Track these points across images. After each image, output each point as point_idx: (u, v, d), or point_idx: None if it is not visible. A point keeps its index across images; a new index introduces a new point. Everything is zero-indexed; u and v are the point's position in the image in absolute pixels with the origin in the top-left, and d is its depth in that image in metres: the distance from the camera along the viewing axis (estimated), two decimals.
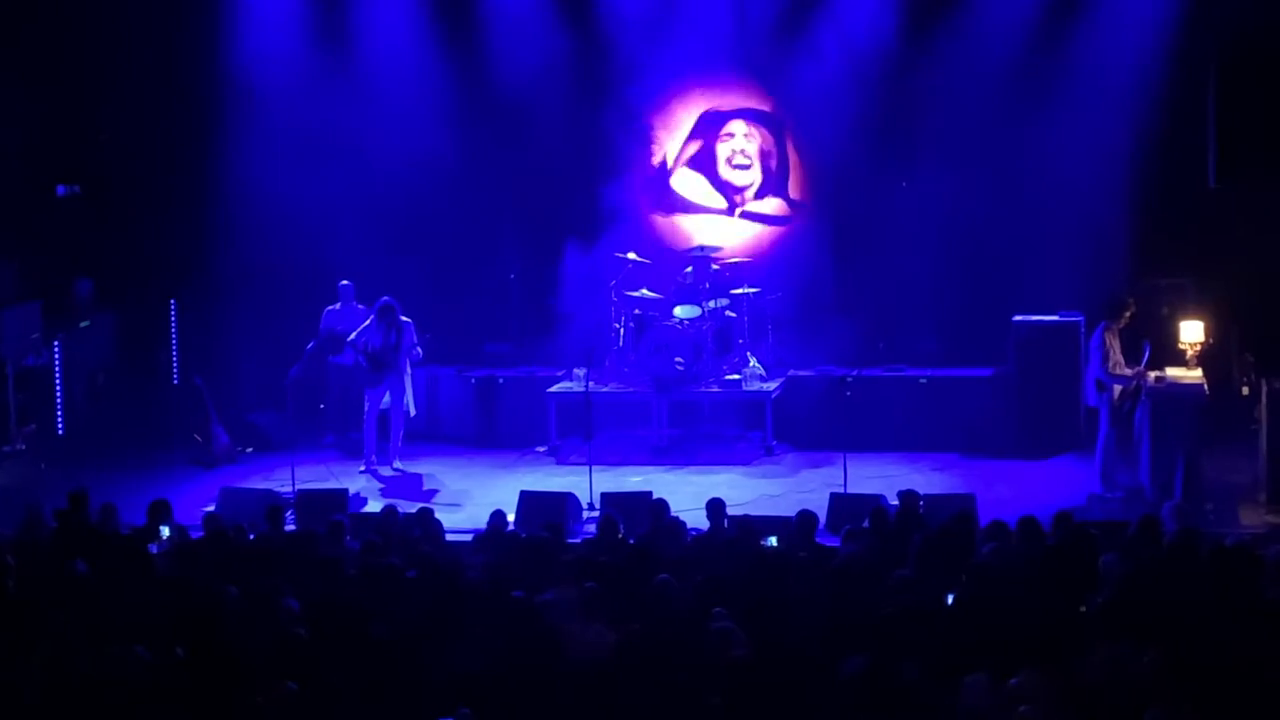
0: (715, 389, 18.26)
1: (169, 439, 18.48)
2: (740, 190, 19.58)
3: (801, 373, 18.55)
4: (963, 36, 18.32)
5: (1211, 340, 16.31)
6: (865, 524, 12.92)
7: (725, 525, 13.21)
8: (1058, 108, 18.23)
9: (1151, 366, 15.59)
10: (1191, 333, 15.81)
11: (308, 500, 15.49)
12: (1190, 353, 15.72)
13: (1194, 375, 15.56)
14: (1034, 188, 18.27)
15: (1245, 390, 16.74)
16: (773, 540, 12.69)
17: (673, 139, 19.64)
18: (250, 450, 18.61)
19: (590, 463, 16.15)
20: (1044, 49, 18.33)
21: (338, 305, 18.33)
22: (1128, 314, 15.67)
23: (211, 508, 15.19)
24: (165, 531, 13.28)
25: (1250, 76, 14.70)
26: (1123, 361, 15.55)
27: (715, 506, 13.31)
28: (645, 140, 19.59)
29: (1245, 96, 14.70)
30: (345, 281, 18.31)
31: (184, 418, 18.53)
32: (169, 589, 11.73)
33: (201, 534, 13.32)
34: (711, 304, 18.43)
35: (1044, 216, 18.20)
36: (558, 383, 18.42)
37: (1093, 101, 18.15)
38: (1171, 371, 15.64)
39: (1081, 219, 18.14)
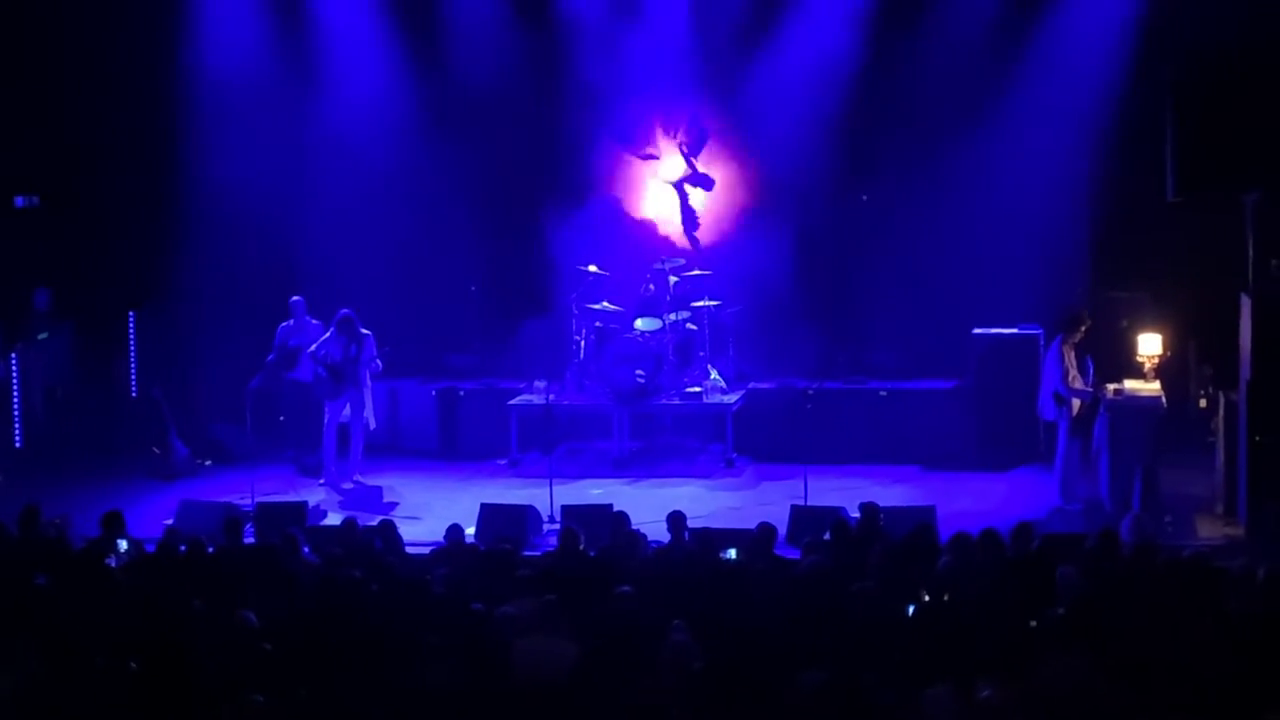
0: (676, 401, 18.28)
1: (127, 451, 18.40)
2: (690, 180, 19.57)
3: (762, 385, 18.58)
4: (923, 51, 18.41)
5: (1169, 353, 16.41)
6: (826, 536, 12.94)
7: (686, 538, 13.21)
8: (1017, 121, 18.34)
9: (1102, 380, 15.69)
10: (1149, 345, 15.90)
11: (267, 513, 15.43)
12: (1148, 365, 15.82)
13: (1152, 388, 15.65)
14: (993, 201, 18.35)
15: (1203, 403, 16.85)
16: (732, 553, 12.70)
17: (635, 148, 19.62)
18: (209, 463, 18.54)
19: (551, 475, 16.13)
20: (1003, 64, 18.44)
21: (291, 321, 18.25)
22: (1083, 328, 15.77)
23: (170, 521, 15.12)
24: (123, 545, 13.19)
25: (1207, 91, 14.77)
26: (1079, 376, 15.65)
27: (676, 519, 13.30)
28: (607, 151, 19.58)
29: (1202, 111, 14.77)
30: (296, 297, 18.23)
31: (142, 430, 18.46)
32: (129, 602, 11.66)
33: (160, 547, 13.24)
34: (672, 316, 18.45)
35: (1003, 230, 18.27)
36: (519, 395, 18.40)
37: (1052, 115, 18.27)
38: (1130, 384, 15.73)
39: (1041, 232, 18.23)
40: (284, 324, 18.21)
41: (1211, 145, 14.71)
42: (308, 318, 18.07)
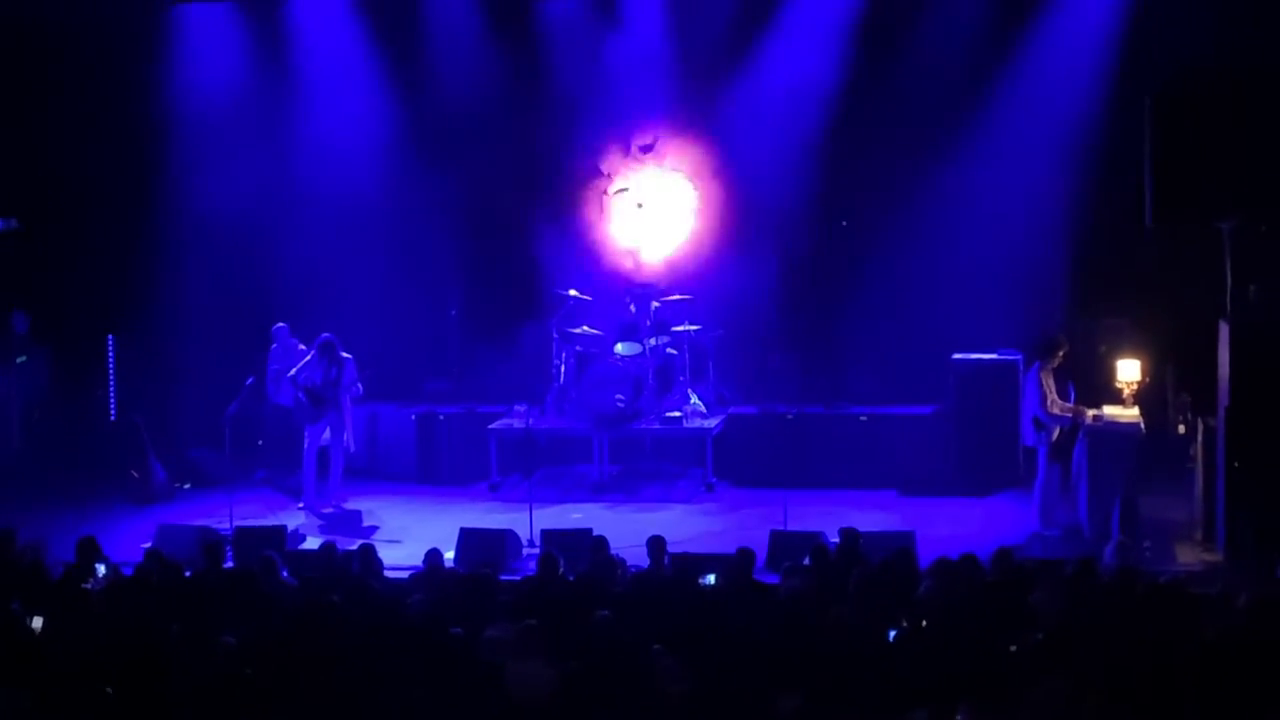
0: (656, 426, 18.28)
1: (105, 475, 18.33)
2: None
3: (742, 410, 18.59)
4: (902, 77, 18.45)
5: (1148, 379, 16.44)
6: (806, 561, 12.94)
7: (665, 562, 13.21)
8: (996, 147, 18.39)
9: (1085, 405, 15.72)
10: (1128, 371, 15.93)
11: (246, 537, 15.38)
12: (1127, 391, 15.84)
13: (1131, 414, 15.68)
14: (973, 226, 18.40)
15: (1181, 429, 16.87)
16: (710, 578, 12.69)
17: (613, 173, 19.63)
18: (188, 486, 18.50)
19: (531, 499, 16.12)
20: (982, 90, 18.49)
21: (275, 346, 18.22)
22: (1061, 353, 15.80)
23: (149, 545, 15.06)
24: (101, 570, 13.15)
25: (1185, 117, 14.83)
26: (1059, 400, 15.68)
27: (655, 544, 13.30)
28: (586, 175, 19.60)
29: (1180, 137, 14.83)
30: (280, 324, 18.21)
31: (121, 454, 18.38)
32: (107, 627, 11.60)
33: (138, 571, 13.19)
34: (652, 341, 18.46)
35: (983, 255, 18.33)
36: (499, 419, 18.38)
37: (1030, 141, 18.32)
38: (1109, 410, 15.76)
39: (1020, 258, 18.29)
40: (272, 348, 18.19)
41: (1189, 172, 14.76)
42: (293, 341, 18.06)
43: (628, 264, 19.53)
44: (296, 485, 17.67)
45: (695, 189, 19.53)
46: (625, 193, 19.35)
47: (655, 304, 18.66)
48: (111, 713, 9.83)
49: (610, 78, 19.15)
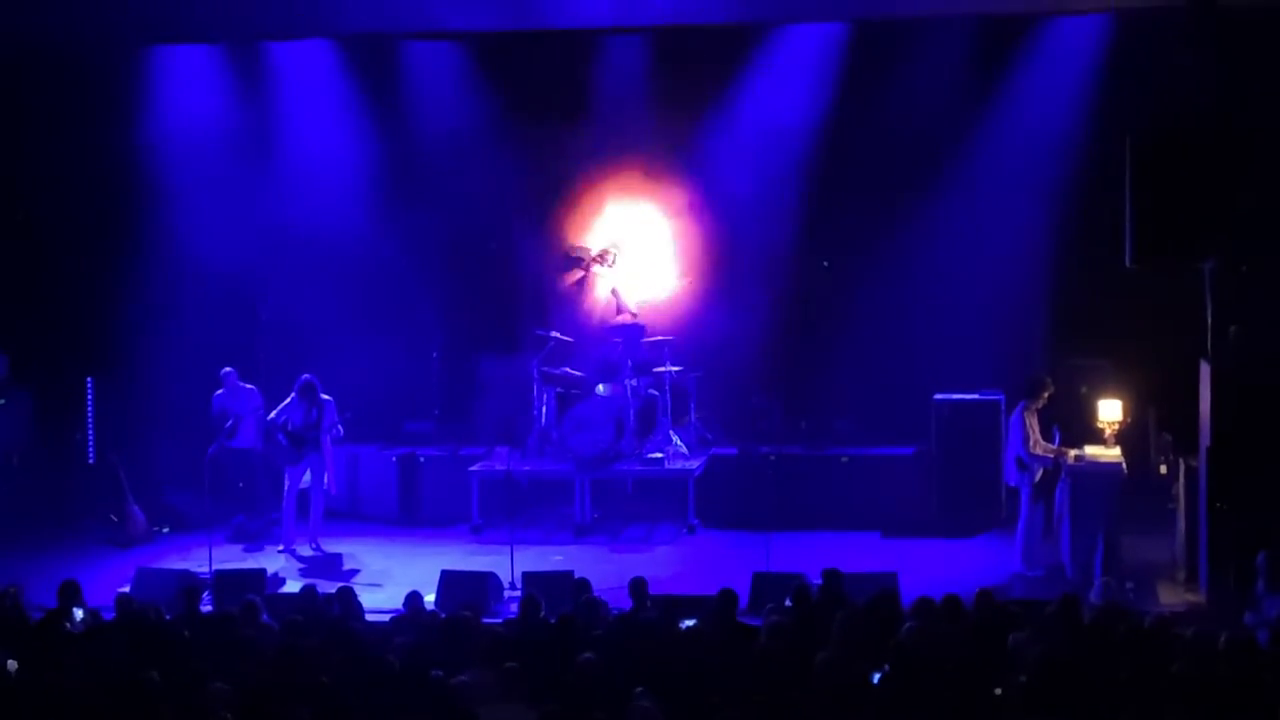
0: (638, 468, 18.24)
1: (84, 518, 18.27)
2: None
3: (724, 451, 18.57)
4: (884, 118, 18.52)
5: (1130, 419, 16.45)
6: (788, 603, 12.89)
7: (647, 604, 13.16)
8: (977, 188, 18.47)
9: (1067, 445, 15.72)
10: (1110, 412, 15.94)
11: (225, 581, 15.30)
12: (1109, 432, 15.85)
13: (1113, 454, 15.68)
14: (954, 267, 18.47)
15: (1163, 469, 16.88)
16: (690, 621, 12.64)
17: (593, 215, 19.67)
18: (167, 530, 18.42)
19: (512, 541, 16.06)
20: (964, 131, 18.56)
21: (222, 391, 18.13)
22: (1046, 394, 15.82)
23: (126, 589, 14.97)
24: (79, 614, 13.06)
25: (1165, 158, 14.89)
26: (1042, 441, 15.68)
27: (637, 585, 13.24)
28: (567, 217, 19.61)
29: (1160, 178, 14.88)
30: (227, 369, 18.12)
31: (100, 497, 18.33)
32: (85, 672, 11.52)
33: (115, 615, 13.11)
34: (634, 382, 18.44)
35: (964, 296, 18.40)
36: (480, 461, 18.34)
37: (1012, 182, 18.41)
38: (1090, 450, 15.76)
39: (1001, 298, 18.35)
40: (217, 394, 18.08)
41: (1169, 212, 14.80)
42: (241, 384, 17.99)
43: (610, 305, 19.52)
44: (262, 528, 17.61)
45: (677, 229, 19.54)
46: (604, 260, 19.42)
47: (645, 342, 18.64)
48: None
49: (593, 118, 19.17)
